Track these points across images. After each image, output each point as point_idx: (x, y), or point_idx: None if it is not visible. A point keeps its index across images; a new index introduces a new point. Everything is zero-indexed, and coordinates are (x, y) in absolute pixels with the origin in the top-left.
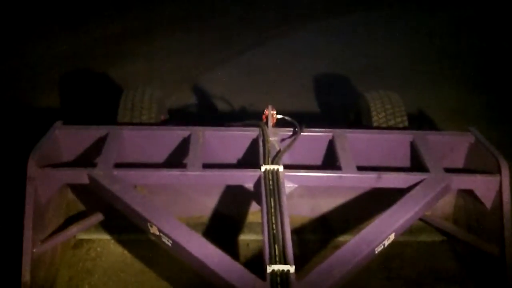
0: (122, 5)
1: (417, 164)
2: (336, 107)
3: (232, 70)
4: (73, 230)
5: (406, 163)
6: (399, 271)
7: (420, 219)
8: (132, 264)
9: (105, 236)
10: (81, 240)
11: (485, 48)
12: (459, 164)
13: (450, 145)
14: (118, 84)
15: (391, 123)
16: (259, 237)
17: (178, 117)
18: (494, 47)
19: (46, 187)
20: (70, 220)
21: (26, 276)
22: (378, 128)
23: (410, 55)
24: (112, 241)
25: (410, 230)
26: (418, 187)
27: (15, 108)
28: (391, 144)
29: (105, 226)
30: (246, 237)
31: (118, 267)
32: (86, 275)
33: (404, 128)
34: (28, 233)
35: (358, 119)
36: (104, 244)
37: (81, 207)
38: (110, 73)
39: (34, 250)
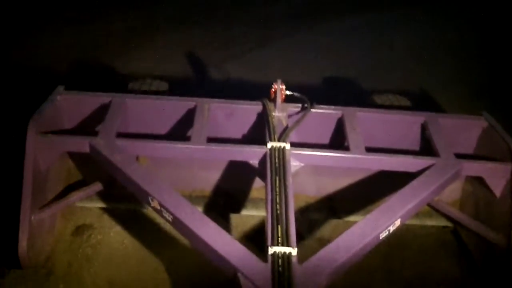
0: (125, 3)
1: (427, 148)
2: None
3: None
4: (72, 199)
5: (416, 145)
6: (400, 272)
7: (428, 205)
8: (132, 253)
9: (104, 205)
10: (82, 227)
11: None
12: (470, 149)
13: (462, 129)
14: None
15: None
16: (261, 213)
17: None
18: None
19: (46, 154)
20: (70, 189)
21: (23, 243)
22: (389, 107)
23: None
24: (113, 229)
25: (416, 215)
26: (427, 172)
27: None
28: (402, 125)
29: (105, 196)
30: (248, 213)
31: (118, 255)
32: (86, 262)
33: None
34: (26, 200)
35: None
36: (104, 232)
37: (81, 176)
38: (116, 66)
39: (32, 218)
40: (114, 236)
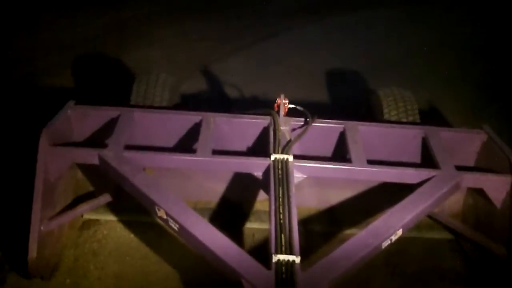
0: None
1: (428, 160)
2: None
3: (245, 59)
4: (81, 210)
5: (417, 158)
6: (403, 268)
7: (428, 216)
8: (137, 248)
9: (112, 217)
10: (88, 222)
11: None
12: (471, 162)
13: (462, 142)
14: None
15: (403, 121)
16: (265, 226)
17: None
18: None
19: (56, 165)
20: (79, 200)
21: (33, 252)
22: (390, 122)
23: None
24: (119, 224)
25: (418, 227)
26: (428, 184)
27: (28, 88)
28: (403, 138)
29: (113, 207)
30: (252, 225)
31: (124, 250)
32: (92, 256)
33: (417, 123)
34: (36, 210)
35: (369, 114)
36: (110, 227)
37: (90, 187)
38: (123, 58)
39: (42, 228)
40: (120, 231)
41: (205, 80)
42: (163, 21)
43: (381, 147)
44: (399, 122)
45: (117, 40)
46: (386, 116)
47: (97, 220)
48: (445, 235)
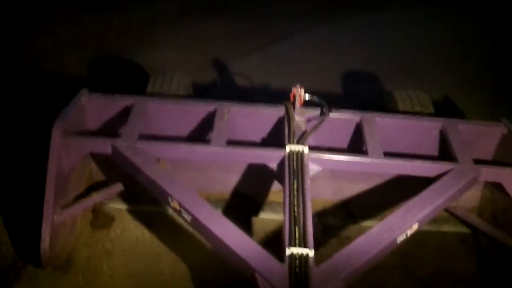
0: None
1: (445, 153)
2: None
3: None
4: (94, 199)
5: (434, 151)
6: (417, 269)
7: (445, 210)
8: (151, 246)
9: (125, 206)
10: (102, 221)
11: None
12: (489, 155)
13: (481, 135)
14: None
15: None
16: (279, 217)
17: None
18: None
19: (69, 154)
20: (92, 189)
21: (45, 242)
22: (407, 113)
23: None
24: (133, 223)
25: (434, 220)
26: (445, 177)
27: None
28: (420, 131)
29: (125, 197)
30: (266, 217)
31: (137, 249)
32: (105, 256)
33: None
34: (49, 200)
35: None
36: (124, 226)
37: (103, 176)
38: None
39: (55, 217)
40: (134, 230)
41: (221, 79)
42: (178, 22)
43: (398, 139)
44: (416, 114)
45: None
46: None
47: (112, 218)
48: (461, 229)
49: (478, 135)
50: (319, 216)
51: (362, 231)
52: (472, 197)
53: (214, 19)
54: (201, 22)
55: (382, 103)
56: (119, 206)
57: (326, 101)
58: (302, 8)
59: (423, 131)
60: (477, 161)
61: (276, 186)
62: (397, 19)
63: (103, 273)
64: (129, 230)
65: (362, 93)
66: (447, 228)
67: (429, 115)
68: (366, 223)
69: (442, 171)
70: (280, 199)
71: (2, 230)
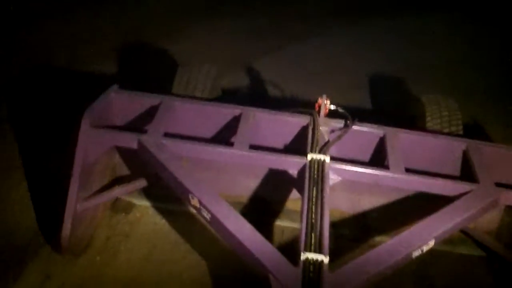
0: None
1: (467, 174)
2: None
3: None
4: (116, 192)
5: (456, 171)
6: (432, 280)
7: (462, 231)
8: (168, 234)
9: (145, 203)
10: (122, 204)
11: None
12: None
13: (504, 158)
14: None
15: (446, 131)
16: (295, 225)
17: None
18: None
19: (96, 146)
20: (115, 183)
21: (66, 230)
22: (431, 131)
23: None
24: (152, 209)
25: (450, 240)
26: (465, 197)
27: (68, 74)
28: (443, 149)
29: (147, 193)
30: (282, 223)
31: (155, 234)
32: (123, 237)
33: (459, 135)
34: (73, 190)
35: (412, 121)
36: (143, 211)
37: (126, 171)
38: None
39: (77, 207)
40: (153, 216)
41: (242, 75)
42: (199, 17)
43: (419, 156)
44: (440, 133)
45: (153, 33)
46: (428, 125)
47: (131, 202)
48: (477, 252)
49: (501, 159)
50: (335, 226)
51: (377, 245)
52: (491, 220)
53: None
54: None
55: (409, 108)
56: (140, 203)
57: (350, 112)
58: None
59: (446, 150)
60: (499, 185)
61: (294, 194)
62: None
63: (120, 254)
64: (148, 215)
65: (389, 96)
66: (462, 250)
67: (456, 129)
68: (382, 238)
69: (462, 191)
70: (298, 208)
71: (27, 206)
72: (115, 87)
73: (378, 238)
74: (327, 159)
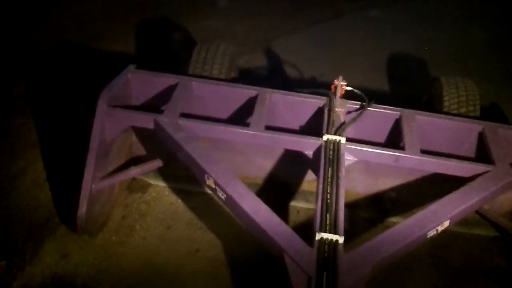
0: None
1: (482, 156)
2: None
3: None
4: (132, 172)
5: (472, 153)
6: (447, 260)
7: (477, 212)
8: (183, 213)
9: (161, 183)
10: (138, 182)
11: None
12: None
13: None
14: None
15: (463, 110)
16: (310, 206)
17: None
18: None
19: (113, 126)
20: (131, 163)
21: (82, 209)
22: (447, 113)
23: None
24: (167, 189)
25: (465, 221)
26: (480, 178)
27: (88, 51)
28: (459, 131)
29: (163, 173)
30: (298, 204)
31: (170, 214)
32: (139, 216)
33: (475, 118)
34: (89, 169)
35: (430, 102)
36: (159, 190)
37: (142, 151)
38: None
39: (93, 186)
40: (168, 195)
41: (262, 55)
42: None
43: (435, 138)
44: (457, 115)
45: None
46: (445, 104)
47: (147, 182)
48: (492, 233)
49: None
50: (351, 208)
51: (392, 225)
52: (506, 202)
53: None
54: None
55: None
56: (156, 183)
57: (367, 94)
58: None
59: (462, 132)
60: None
61: (309, 175)
62: None
63: (136, 233)
64: (164, 195)
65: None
66: (477, 231)
67: (473, 108)
68: (397, 219)
69: (478, 172)
70: (313, 189)
71: (44, 185)
72: (131, 67)
73: (393, 219)
74: (343, 140)
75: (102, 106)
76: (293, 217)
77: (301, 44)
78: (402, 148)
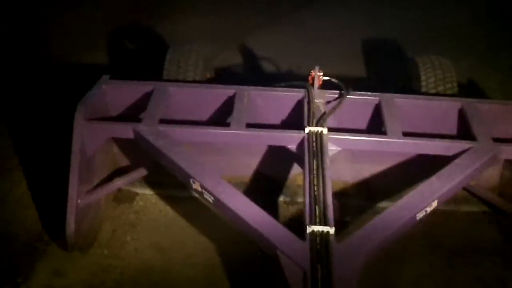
0: None
1: (464, 133)
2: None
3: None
4: (117, 183)
5: (453, 131)
6: (440, 240)
7: (465, 189)
8: (174, 219)
9: (148, 191)
10: (125, 194)
11: None
12: (509, 134)
13: (500, 114)
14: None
15: (440, 88)
16: (299, 200)
17: (224, 76)
18: None
19: (92, 140)
20: (115, 174)
21: (70, 226)
22: (426, 94)
23: None
24: (155, 196)
25: (454, 200)
26: (464, 155)
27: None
28: (439, 111)
29: (149, 181)
30: (286, 199)
31: (161, 221)
32: (129, 227)
33: (454, 96)
34: (73, 185)
35: (407, 84)
36: (147, 199)
37: (126, 161)
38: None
39: (79, 201)
40: (157, 203)
41: (238, 52)
42: None
43: (417, 119)
44: (435, 94)
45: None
46: (423, 84)
47: (134, 192)
48: (482, 208)
49: (497, 115)
50: (339, 197)
51: (382, 211)
52: (492, 176)
53: None
54: None
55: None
56: (142, 191)
57: (345, 82)
58: None
59: (442, 110)
60: (497, 140)
61: (296, 169)
62: None
63: (127, 245)
64: (152, 203)
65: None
66: (467, 208)
67: (451, 86)
68: (386, 203)
69: (461, 149)
70: (300, 182)
71: (29, 205)
72: (105, 78)
73: (382, 205)
74: (325, 130)
75: (79, 120)
76: (283, 212)
77: (274, 37)
78: (384, 133)
